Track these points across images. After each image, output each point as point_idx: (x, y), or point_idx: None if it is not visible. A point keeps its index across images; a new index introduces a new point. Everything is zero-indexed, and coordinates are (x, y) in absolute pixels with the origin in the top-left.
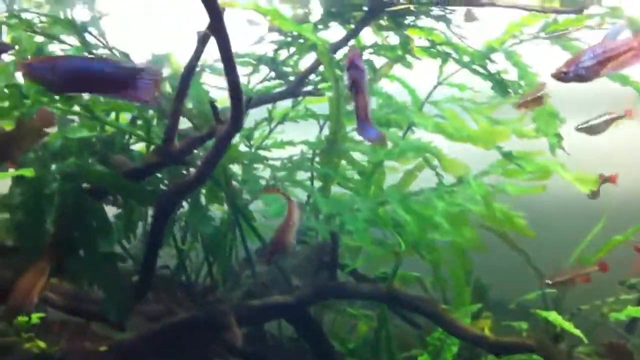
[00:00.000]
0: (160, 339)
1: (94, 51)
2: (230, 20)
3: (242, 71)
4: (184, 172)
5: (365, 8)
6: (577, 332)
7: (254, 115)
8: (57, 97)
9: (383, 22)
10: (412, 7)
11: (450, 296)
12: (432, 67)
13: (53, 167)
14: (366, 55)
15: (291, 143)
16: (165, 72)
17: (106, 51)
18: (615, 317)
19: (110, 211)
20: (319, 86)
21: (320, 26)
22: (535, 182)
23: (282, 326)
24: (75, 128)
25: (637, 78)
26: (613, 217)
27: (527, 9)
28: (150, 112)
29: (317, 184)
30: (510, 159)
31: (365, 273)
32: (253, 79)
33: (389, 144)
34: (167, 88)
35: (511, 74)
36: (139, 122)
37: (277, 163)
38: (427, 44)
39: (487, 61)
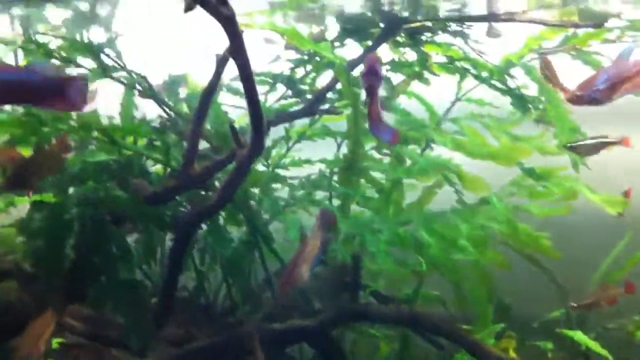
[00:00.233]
0: None
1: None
2: (247, 38)
3: (258, 90)
4: (203, 194)
5: (382, 25)
6: (604, 352)
7: (271, 134)
8: (75, 124)
9: (400, 39)
10: (429, 23)
11: (472, 314)
12: (450, 83)
13: (71, 190)
14: (383, 72)
15: (309, 162)
16: (182, 92)
17: (123, 73)
18: None
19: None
20: (336, 104)
21: (336, 43)
22: (558, 200)
23: (303, 348)
24: (93, 152)
25: None
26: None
27: (546, 23)
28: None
29: (335, 202)
30: (532, 176)
31: (385, 290)
32: (270, 98)
33: (408, 162)
34: (185, 109)
35: (532, 89)
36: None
37: (294, 182)
38: (444, 59)
39: (506, 76)
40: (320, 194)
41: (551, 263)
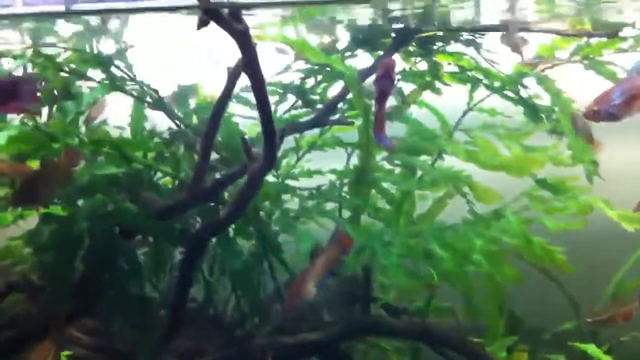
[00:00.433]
0: None
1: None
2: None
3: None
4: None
5: (394, 35)
6: None
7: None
8: (85, 138)
9: (411, 49)
10: (441, 33)
11: (482, 325)
12: (462, 92)
13: (80, 202)
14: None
15: (319, 172)
16: (192, 103)
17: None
18: None
19: None
20: (347, 114)
21: (347, 53)
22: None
23: None
24: (102, 164)
25: None
26: None
27: (560, 33)
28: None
29: (345, 214)
30: (545, 187)
31: (395, 302)
32: (280, 108)
33: (419, 172)
34: (194, 120)
35: (545, 99)
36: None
37: (304, 193)
38: (456, 69)
39: (519, 86)
40: (330, 205)
41: (562, 273)
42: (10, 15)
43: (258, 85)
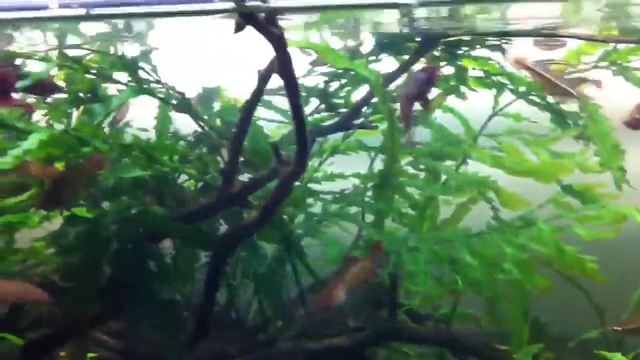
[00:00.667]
0: None
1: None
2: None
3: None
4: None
5: (419, 39)
6: None
7: None
8: (113, 142)
9: (436, 53)
10: (468, 37)
11: (506, 332)
12: (487, 97)
13: (105, 205)
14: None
15: (342, 176)
16: (216, 106)
17: (159, 86)
18: None
19: None
20: (370, 118)
21: (371, 58)
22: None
23: None
24: (128, 166)
25: None
26: None
27: (588, 39)
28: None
29: (368, 218)
30: (571, 194)
31: (419, 308)
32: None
33: (443, 177)
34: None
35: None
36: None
37: (327, 197)
38: (481, 74)
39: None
40: (352, 209)
41: (586, 280)
42: (47, 18)
43: (292, 89)
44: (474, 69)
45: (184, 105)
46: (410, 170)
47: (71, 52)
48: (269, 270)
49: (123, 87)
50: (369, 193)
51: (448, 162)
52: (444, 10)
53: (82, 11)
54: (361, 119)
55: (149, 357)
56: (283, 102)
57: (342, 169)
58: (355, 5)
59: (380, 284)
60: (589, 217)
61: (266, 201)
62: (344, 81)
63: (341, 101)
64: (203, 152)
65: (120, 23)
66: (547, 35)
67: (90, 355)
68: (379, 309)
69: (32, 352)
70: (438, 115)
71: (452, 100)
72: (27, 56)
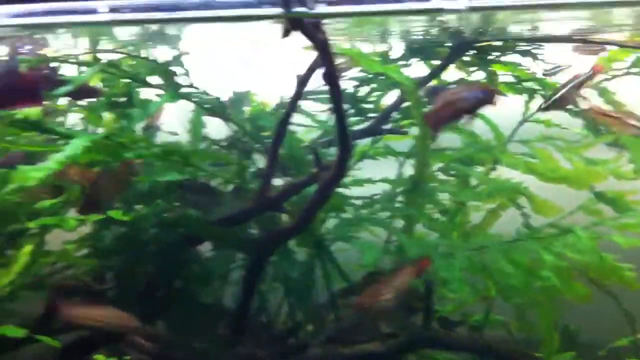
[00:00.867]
0: None
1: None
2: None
3: (321, 108)
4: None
5: (450, 44)
6: None
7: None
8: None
9: (466, 58)
10: (499, 43)
11: (535, 339)
12: (516, 102)
13: (140, 209)
14: None
15: (370, 181)
16: (246, 110)
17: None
18: None
19: None
20: (400, 123)
21: (401, 62)
22: None
23: None
24: (164, 170)
25: None
26: None
27: (622, 44)
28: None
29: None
30: (604, 200)
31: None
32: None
33: (473, 183)
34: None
35: None
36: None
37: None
38: (512, 79)
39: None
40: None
41: (616, 287)
42: (101, 23)
43: (336, 93)
44: (504, 74)
45: (219, 109)
46: (441, 176)
47: (103, 56)
48: (300, 274)
49: (155, 91)
50: (399, 198)
51: (477, 168)
52: (475, 16)
53: (131, 16)
54: (390, 124)
55: None
56: (312, 107)
57: (368, 174)
58: (401, 11)
59: (413, 291)
60: (628, 225)
61: (305, 205)
62: (373, 86)
63: (370, 106)
64: (236, 156)
65: (154, 27)
66: (579, 41)
67: (126, 358)
68: (411, 315)
69: (69, 354)
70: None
71: None
72: (62, 60)
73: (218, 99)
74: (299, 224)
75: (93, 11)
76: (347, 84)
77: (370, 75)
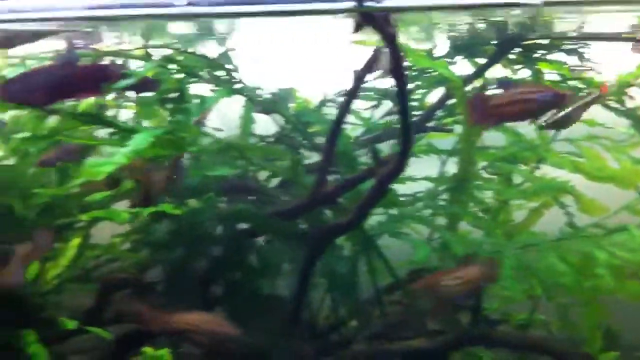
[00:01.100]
0: None
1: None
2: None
3: (365, 105)
4: None
5: (496, 42)
6: None
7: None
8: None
9: (512, 56)
10: (546, 41)
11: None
12: None
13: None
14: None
15: (411, 179)
16: (290, 106)
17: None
18: None
19: None
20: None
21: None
22: None
23: None
24: (214, 165)
25: None
26: None
27: None
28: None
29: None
30: None
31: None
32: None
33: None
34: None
35: None
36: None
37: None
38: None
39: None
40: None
41: None
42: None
43: (401, 88)
44: (549, 72)
45: (270, 105)
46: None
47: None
48: (346, 269)
49: (204, 87)
50: (443, 196)
51: (520, 167)
52: (520, 13)
53: (207, 9)
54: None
55: (238, 354)
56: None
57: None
58: (475, 5)
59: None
60: None
61: (362, 200)
62: (418, 83)
63: (415, 103)
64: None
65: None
66: (626, 40)
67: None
68: (457, 312)
69: (122, 346)
70: None
71: None
72: (117, 54)
73: (271, 95)
74: (354, 219)
75: (170, 5)
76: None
77: (415, 72)
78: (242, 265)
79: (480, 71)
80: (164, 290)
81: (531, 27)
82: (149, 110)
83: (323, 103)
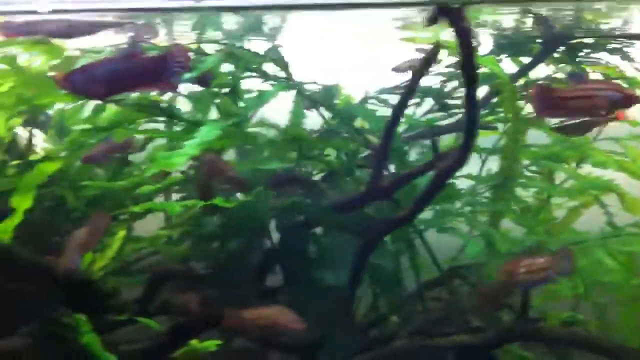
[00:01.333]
0: None
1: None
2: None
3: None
4: None
5: (540, 40)
6: None
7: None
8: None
9: (556, 54)
10: (591, 40)
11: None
12: None
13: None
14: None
15: (455, 176)
16: (335, 102)
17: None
18: None
19: None
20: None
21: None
22: None
23: None
24: (265, 159)
25: None
26: None
27: None
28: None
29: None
30: None
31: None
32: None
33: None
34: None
35: None
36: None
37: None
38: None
39: None
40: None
41: None
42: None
43: (471, 83)
44: (593, 71)
45: (321, 100)
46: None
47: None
48: (393, 266)
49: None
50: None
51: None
52: (568, 12)
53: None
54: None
55: (290, 346)
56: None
57: None
58: None
59: (502, 285)
60: None
61: (420, 194)
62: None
63: (457, 102)
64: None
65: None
66: None
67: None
68: (501, 309)
69: (175, 338)
70: None
71: None
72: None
73: (323, 89)
74: (412, 212)
75: None
76: (433, 80)
77: (458, 71)
78: (301, 256)
79: (525, 69)
80: (217, 282)
81: (576, 26)
82: (206, 103)
83: (365, 99)
